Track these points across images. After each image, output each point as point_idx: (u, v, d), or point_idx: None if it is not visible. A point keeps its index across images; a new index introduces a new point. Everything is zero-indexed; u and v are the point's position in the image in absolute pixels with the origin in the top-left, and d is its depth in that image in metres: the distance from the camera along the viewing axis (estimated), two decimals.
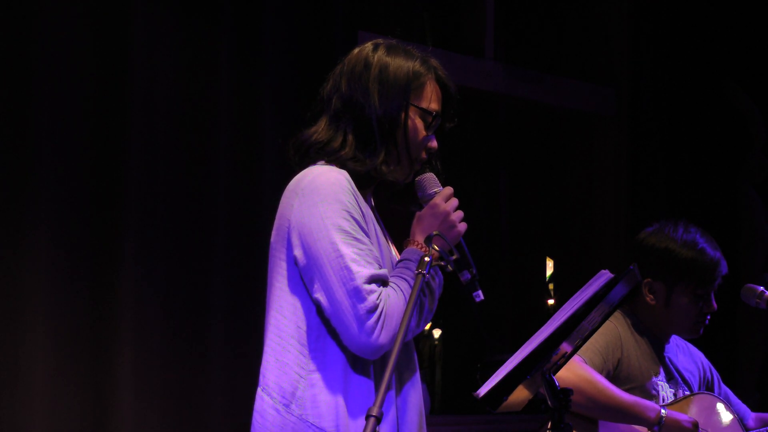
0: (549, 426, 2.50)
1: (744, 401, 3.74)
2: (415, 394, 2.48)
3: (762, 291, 3.52)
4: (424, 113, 2.51)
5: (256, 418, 2.43)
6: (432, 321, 5.03)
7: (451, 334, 6.18)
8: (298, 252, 2.39)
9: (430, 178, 2.52)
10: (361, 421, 2.34)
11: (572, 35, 5.89)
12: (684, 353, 3.65)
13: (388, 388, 2.11)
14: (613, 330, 3.44)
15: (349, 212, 2.38)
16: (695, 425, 3.32)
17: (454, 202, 2.48)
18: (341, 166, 2.46)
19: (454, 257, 2.40)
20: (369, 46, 2.56)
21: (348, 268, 2.33)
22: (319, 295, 2.36)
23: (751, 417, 3.65)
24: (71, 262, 3.78)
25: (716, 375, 3.69)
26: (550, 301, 6.29)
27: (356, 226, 2.38)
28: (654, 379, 3.46)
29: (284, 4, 4.35)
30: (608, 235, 5.78)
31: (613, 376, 3.39)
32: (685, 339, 3.67)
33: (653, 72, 5.79)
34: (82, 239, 3.81)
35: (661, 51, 5.81)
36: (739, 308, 5.65)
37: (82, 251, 3.80)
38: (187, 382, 4.00)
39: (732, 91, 5.94)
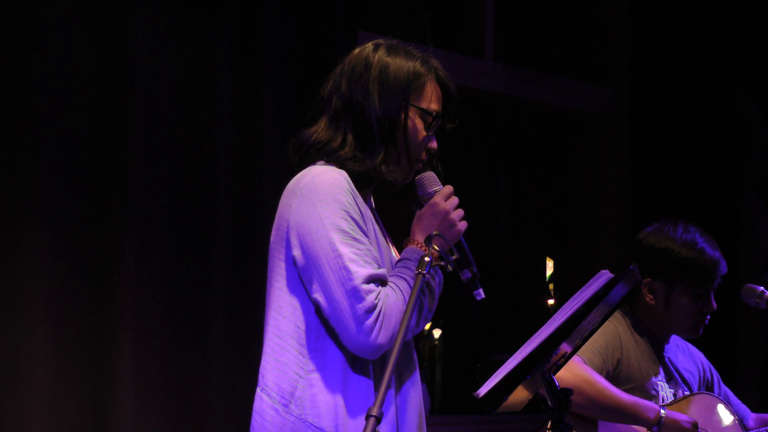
0: (549, 426, 2.50)
1: (744, 401, 3.73)
2: (414, 393, 2.48)
3: (762, 291, 3.52)
4: (424, 114, 2.51)
5: (256, 418, 2.43)
6: (432, 321, 5.04)
7: (451, 334, 6.19)
8: (296, 252, 2.39)
9: (430, 176, 2.52)
10: (361, 421, 2.34)
11: (572, 35, 5.89)
12: (684, 353, 3.65)
13: (387, 388, 2.10)
14: (613, 330, 3.44)
15: (347, 212, 2.38)
16: (695, 425, 3.31)
17: (454, 200, 2.47)
18: (340, 165, 2.46)
19: (454, 257, 2.40)
20: (369, 46, 2.56)
21: (346, 268, 2.33)
22: (318, 295, 2.36)
23: (751, 417, 3.64)
24: (71, 262, 3.78)
25: (716, 375, 3.69)
26: (550, 301, 6.29)
27: (355, 226, 2.38)
28: (654, 379, 3.46)
29: (284, 4, 4.35)
30: (608, 235, 5.78)
31: (613, 377, 3.38)
32: (685, 339, 3.67)
33: (653, 72, 5.79)
34: (82, 239, 3.81)
35: (661, 51, 5.81)
36: (739, 308, 5.65)
37: (82, 251, 3.80)
38: (187, 382, 4.00)
39: (732, 92, 5.94)
